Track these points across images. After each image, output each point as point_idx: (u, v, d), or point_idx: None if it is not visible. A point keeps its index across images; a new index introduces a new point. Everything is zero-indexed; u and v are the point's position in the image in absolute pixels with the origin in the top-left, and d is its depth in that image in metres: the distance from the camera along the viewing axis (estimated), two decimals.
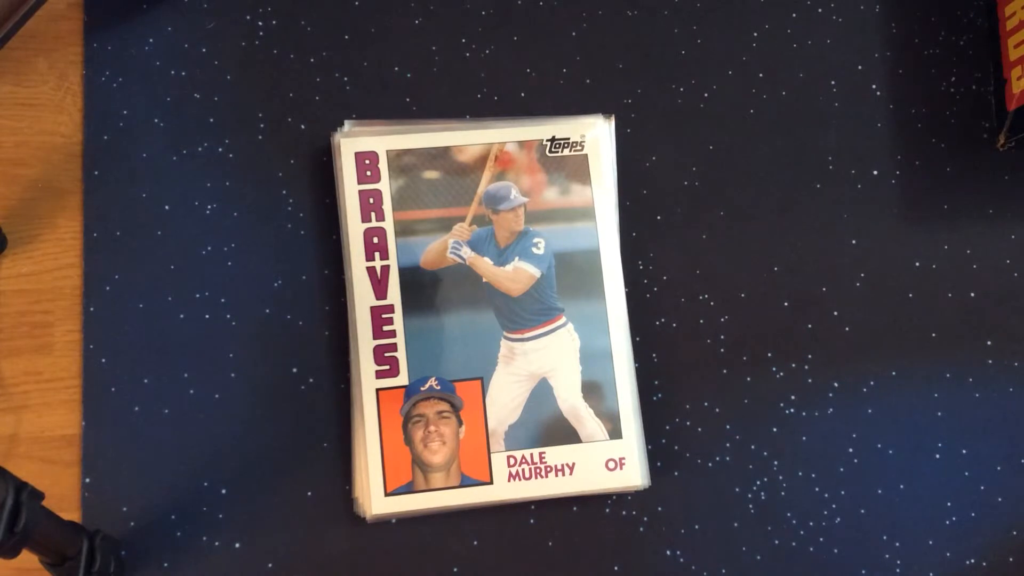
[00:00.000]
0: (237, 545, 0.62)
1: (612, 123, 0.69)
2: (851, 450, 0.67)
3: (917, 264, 0.70)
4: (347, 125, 0.66)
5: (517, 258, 0.66)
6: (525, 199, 0.66)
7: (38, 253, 0.65)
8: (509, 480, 0.63)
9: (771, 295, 0.69)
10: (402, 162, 0.66)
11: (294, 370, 0.65)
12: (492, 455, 0.63)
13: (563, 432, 0.64)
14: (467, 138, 0.67)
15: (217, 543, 0.62)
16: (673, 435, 0.66)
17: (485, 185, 0.66)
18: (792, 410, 0.67)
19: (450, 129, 0.67)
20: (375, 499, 0.62)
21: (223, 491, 0.63)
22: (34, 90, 0.67)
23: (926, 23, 0.74)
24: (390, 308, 0.64)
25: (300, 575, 0.62)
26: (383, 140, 0.66)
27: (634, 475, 0.64)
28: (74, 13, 0.68)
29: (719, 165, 0.70)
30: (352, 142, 0.66)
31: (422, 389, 0.63)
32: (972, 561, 0.66)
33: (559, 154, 0.67)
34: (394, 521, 0.63)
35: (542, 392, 0.64)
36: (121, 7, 0.68)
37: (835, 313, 0.69)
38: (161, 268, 0.65)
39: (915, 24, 0.74)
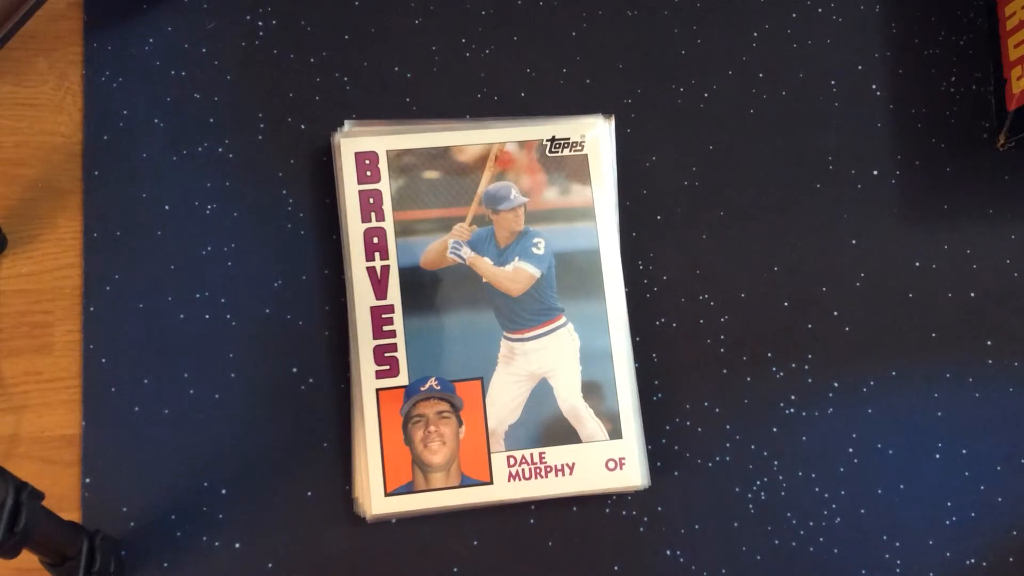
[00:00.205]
0: (237, 545, 0.62)
1: (612, 123, 0.69)
2: (851, 450, 0.67)
3: (917, 264, 0.70)
4: (347, 125, 0.66)
5: (517, 258, 0.66)
6: (525, 199, 0.66)
7: (38, 253, 0.65)
8: (509, 480, 0.63)
9: (771, 295, 0.69)
10: (402, 162, 0.66)
11: (294, 370, 0.65)
12: (492, 455, 0.63)
13: (563, 432, 0.64)
14: (467, 138, 0.67)
15: (217, 543, 0.62)
16: (673, 435, 0.66)
17: (485, 185, 0.66)
18: (792, 410, 0.67)
19: (450, 129, 0.67)
20: (375, 499, 0.62)
21: (223, 491, 0.63)
22: (34, 90, 0.67)
23: (926, 23, 0.74)
24: (390, 308, 0.64)
25: (300, 575, 0.62)
26: (383, 140, 0.66)
27: (634, 475, 0.64)
28: (74, 13, 0.68)
29: (719, 165, 0.70)
30: (352, 142, 0.66)
31: (422, 389, 0.63)
32: (972, 561, 0.66)
33: (559, 154, 0.67)
34: (394, 521, 0.63)
35: (542, 392, 0.64)
36: (121, 7, 0.68)
37: (835, 313, 0.69)
38: (161, 268, 0.65)
39: (915, 24, 0.74)
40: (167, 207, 0.66)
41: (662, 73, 0.71)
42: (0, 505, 0.46)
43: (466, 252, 0.65)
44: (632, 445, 0.64)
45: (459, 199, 0.66)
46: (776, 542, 0.66)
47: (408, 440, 0.63)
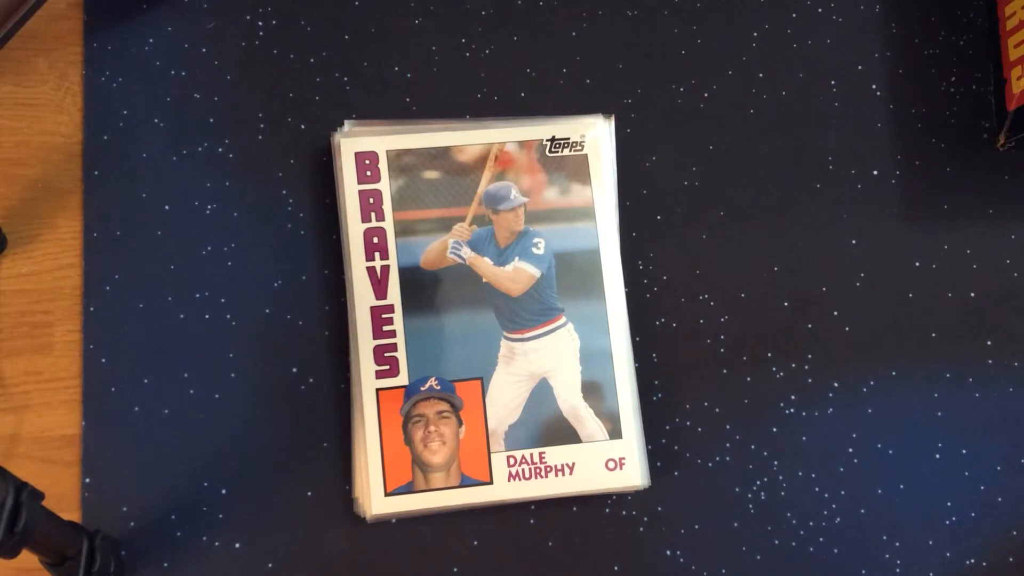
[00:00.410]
0: (237, 545, 0.62)
1: (612, 123, 0.69)
2: (851, 450, 0.67)
3: (917, 264, 0.70)
4: (347, 125, 0.66)
5: (517, 258, 0.66)
6: (525, 199, 0.66)
7: (38, 253, 0.65)
8: (509, 480, 0.63)
9: (771, 295, 0.69)
10: (402, 162, 0.66)
11: (294, 370, 0.65)
12: (492, 455, 0.63)
13: (563, 432, 0.64)
14: (467, 138, 0.67)
15: (217, 543, 0.62)
16: (673, 435, 0.66)
17: (485, 185, 0.66)
18: (792, 410, 0.67)
19: (450, 129, 0.67)
20: (375, 499, 0.62)
21: (223, 491, 0.63)
22: (34, 90, 0.67)
23: (926, 23, 0.74)
24: (390, 308, 0.64)
25: (300, 575, 0.62)
26: (383, 140, 0.66)
27: (634, 475, 0.64)
28: (74, 13, 0.68)
29: (719, 165, 0.70)
30: (352, 142, 0.66)
31: (422, 389, 0.63)
32: (972, 561, 0.66)
33: (559, 154, 0.67)
34: (394, 521, 0.63)
35: (542, 392, 0.64)
36: (121, 7, 0.68)
37: (835, 313, 0.69)
38: (161, 268, 0.65)
39: (915, 24, 0.74)
40: (167, 207, 0.66)
41: (662, 73, 0.71)
42: (0, 505, 0.46)
43: (466, 252, 0.65)
44: (632, 445, 0.64)
45: (459, 199, 0.66)
46: (776, 542, 0.66)
47: (408, 440, 0.63)
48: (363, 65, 0.69)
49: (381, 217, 0.65)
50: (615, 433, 0.64)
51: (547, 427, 0.64)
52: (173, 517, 0.62)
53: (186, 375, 0.64)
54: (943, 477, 0.67)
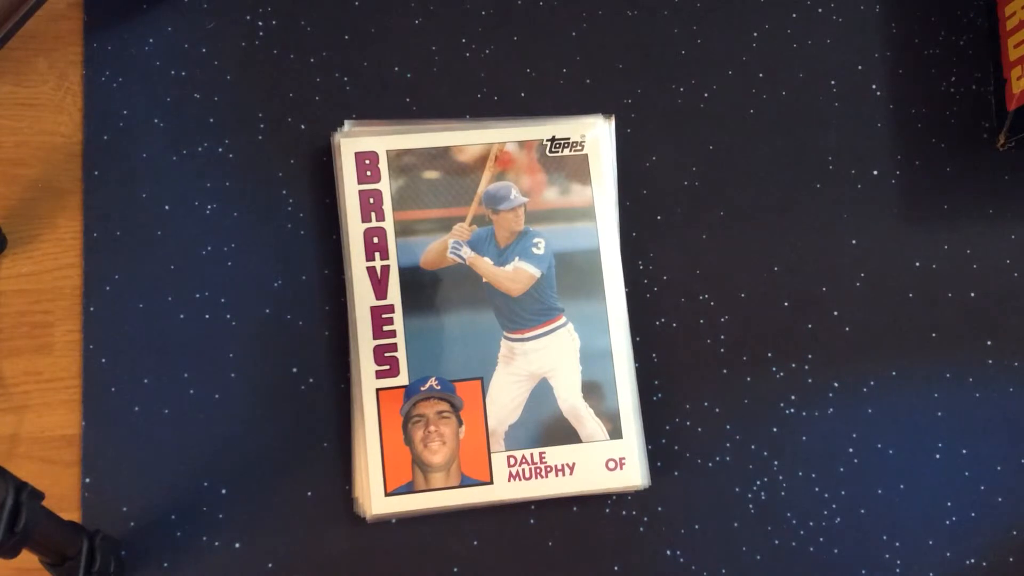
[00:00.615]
0: (237, 545, 0.62)
1: (612, 123, 0.69)
2: (851, 450, 0.67)
3: (917, 264, 0.70)
4: (347, 125, 0.66)
5: (517, 258, 0.66)
6: (525, 199, 0.66)
7: (38, 253, 0.65)
8: (509, 480, 0.63)
9: (771, 295, 0.69)
10: (402, 162, 0.66)
11: (294, 370, 0.65)
12: (492, 455, 0.63)
13: (563, 432, 0.64)
14: (467, 138, 0.67)
15: (217, 543, 0.62)
16: (673, 435, 0.66)
17: (485, 185, 0.66)
18: (792, 410, 0.67)
19: (450, 129, 0.67)
20: (375, 499, 0.62)
21: (223, 491, 0.63)
22: (34, 90, 0.67)
23: (926, 23, 0.74)
24: (390, 308, 0.64)
25: (300, 575, 0.62)
26: (383, 140, 0.66)
27: (634, 475, 0.64)
28: (74, 13, 0.68)
29: (719, 165, 0.70)
30: (352, 142, 0.66)
31: (422, 389, 0.63)
32: (972, 561, 0.66)
33: (559, 154, 0.67)
34: (394, 521, 0.63)
35: (542, 392, 0.64)
36: (121, 7, 0.68)
37: (835, 313, 0.69)
38: (161, 268, 0.65)
39: (915, 24, 0.74)
40: (167, 207, 0.66)
41: (662, 73, 0.71)
42: (0, 505, 0.46)
43: (466, 252, 0.65)
44: (632, 445, 0.64)
45: (459, 199, 0.66)
46: (776, 542, 0.66)
47: (408, 440, 0.63)
48: (363, 65, 0.69)
49: (381, 217, 0.65)
50: (615, 433, 0.64)
51: (547, 427, 0.64)
52: (173, 517, 0.62)
53: (186, 375, 0.64)
54: (943, 477, 0.67)
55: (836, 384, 0.68)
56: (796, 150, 0.71)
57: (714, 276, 0.69)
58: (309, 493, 0.63)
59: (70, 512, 0.61)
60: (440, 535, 0.63)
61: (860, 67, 0.73)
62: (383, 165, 0.66)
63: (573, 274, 0.66)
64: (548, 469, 0.64)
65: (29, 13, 0.56)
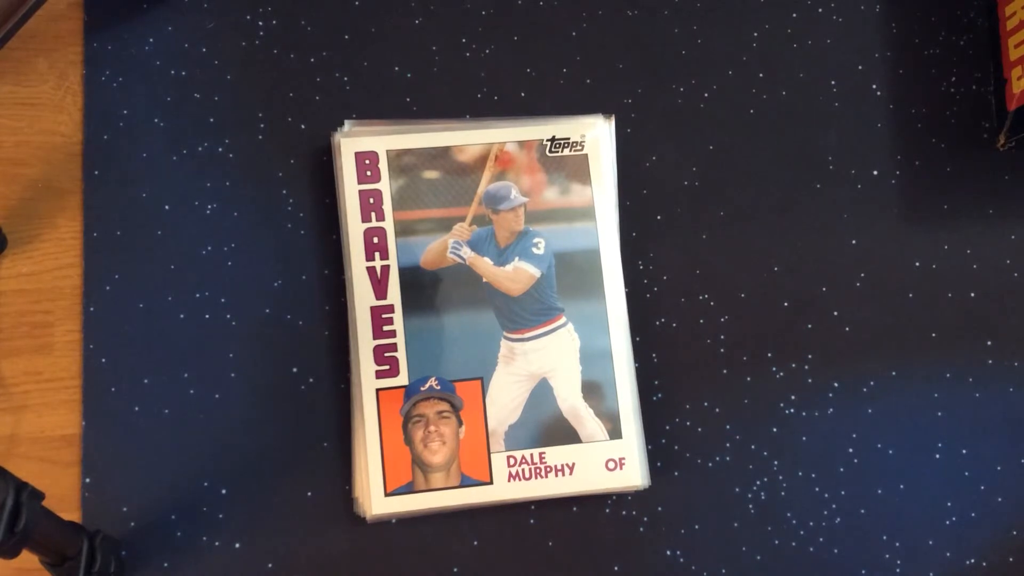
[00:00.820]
0: (237, 545, 0.62)
1: (612, 123, 0.69)
2: (851, 450, 0.67)
3: (917, 264, 0.70)
4: (347, 125, 0.66)
5: (517, 258, 0.66)
6: (525, 199, 0.66)
7: (38, 253, 0.65)
8: (509, 480, 0.63)
9: (771, 295, 0.69)
10: (402, 162, 0.66)
11: (294, 370, 0.65)
12: (492, 455, 0.63)
13: (563, 432, 0.64)
14: (467, 138, 0.67)
15: (217, 543, 0.62)
16: (673, 435, 0.66)
17: (485, 185, 0.66)
18: (792, 410, 0.67)
19: (450, 129, 0.67)
20: (375, 499, 0.62)
21: (223, 491, 0.63)
22: (34, 90, 0.67)
23: (926, 23, 0.74)
24: (390, 308, 0.64)
25: (300, 575, 0.62)
26: (383, 140, 0.66)
27: (634, 475, 0.64)
28: (74, 13, 0.68)
29: (719, 165, 0.70)
30: (352, 142, 0.66)
31: (422, 389, 0.63)
32: (972, 561, 0.66)
33: (559, 154, 0.67)
34: (394, 521, 0.63)
35: (542, 392, 0.64)
36: (121, 7, 0.68)
37: (835, 313, 0.69)
38: (161, 268, 0.65)
39: (915, 24, 0.74)
40: (167, 207, 0.66)
41: (662, 73, 0.71)
42: (0, 505, 0.46)
43: (466, 252, 0.65)
44: (632, 445, 0.64)
45: (459, 199, 0.66)
46: (776, 542, 0.66)
47: (408, 440, 0.63)
48: (363, 65, 0.69)
49: (381, 217, 0.65)
50: (615, 433, 0.64)
51: (547, 427, 0.64)
52: (173, 517, 0.62)
53: (186, 375, 0.64)
54: (943, 477, 0.67)
55: (836, 384, 0.68)
56: (796, 150, 0.71)
57: (714, 276, 0.69)
58: (309, 493, 0.63)
59: (70, 512, 0.61)
60: (440, 535, 0.63)
61: (860, 67, 0.73)
62: (383, 165, 0.66)
63: (573, 274, 0.66)
64: (548, 469, 0.64)
65: (29, 13, 0.56)
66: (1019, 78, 0.70)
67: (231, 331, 0.64)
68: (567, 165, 0.67)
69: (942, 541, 0.66)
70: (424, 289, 0.65)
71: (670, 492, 0.65)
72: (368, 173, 0.66)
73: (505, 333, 0.65)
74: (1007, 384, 0.69)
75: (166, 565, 0.61)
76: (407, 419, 0.63)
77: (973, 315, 0.70)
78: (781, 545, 0.66)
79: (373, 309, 0.64)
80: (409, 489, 0.62)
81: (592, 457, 0.64)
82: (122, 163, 0.66)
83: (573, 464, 0.64)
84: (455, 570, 0.63)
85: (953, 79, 0.74)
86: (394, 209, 0.65)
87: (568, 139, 0.67)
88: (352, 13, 0.70)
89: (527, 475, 0.63)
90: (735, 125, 0.71)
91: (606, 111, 0.69)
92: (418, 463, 0.63)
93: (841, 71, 0.73)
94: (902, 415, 0.68)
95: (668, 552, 0.65)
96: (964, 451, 0.68)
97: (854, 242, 0.70)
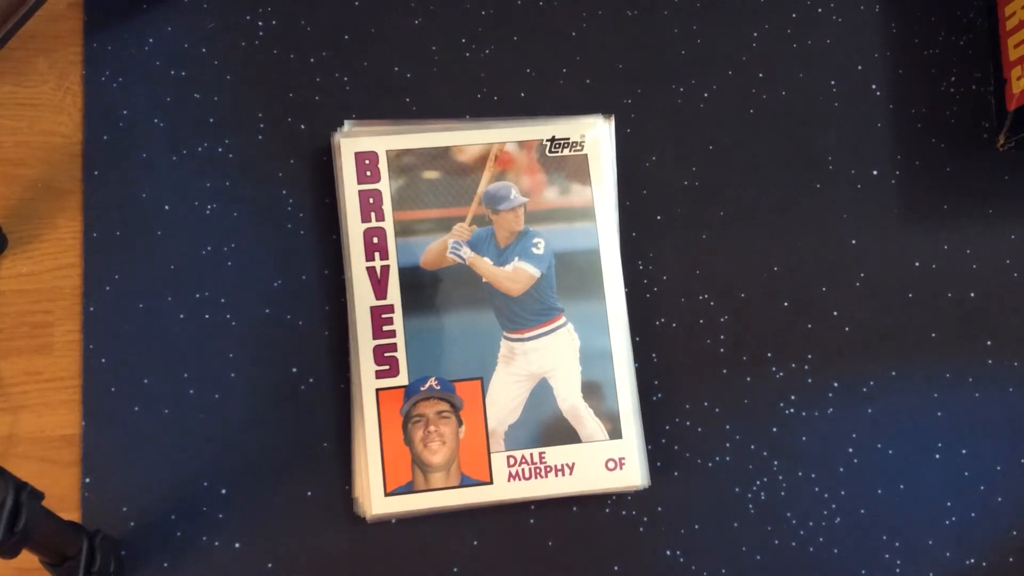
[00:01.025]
0: (237, 545, 0.62)
1: (612, 123, 0.69)
2: (851, 450, 0.67)
3: (917, 264, 0.70)
4: (347, 125, 0.66)
5: (517, 258, 0.66)
6: (525, 199, 0.66)
7: (38, 253, 0.65)
8: (509, 480, 0.63)
9: (771, 295, 0.69)
10: (402, 162, 0.66)
11: (294, 370, 0.65)
12: (492, 455, 0.63)
13: (563, 432, 0.64)
14: (467, 138, 0.67)
15: (217, 543, 0.62)
16: (673, 435, 0.66)
17: (485, 185, 0.66)
18: (792, 410, 0.67)
19: (450, 129, 0.67)
20: (375, 499, 0.62)
21: (223, 491, 0.63)
22: (34, 90, 0.67)
23: (926, 23, 0.74)
24: (390, 308, 0.64)
25: (300, 575, 0.62)
26: (383, 140, 0.66)
27: (634, 475, 0.64)
28: (74, 13, 0.68)
29: (719, 165, 0.70)
30: (352, 142, 0.66)
31: (422, 389, 0.63)
32: (972, 561, 0.66)
33: (559, 154, 0.67)
34: (394, 521, 0.63)
35: (542, 392, 0.64)
36: (121, 7, 0.68)
37: (835, 313, 0.69)
38: (161, 268, 0.65)
39: (915, 24, 0.74)
40: (167, 207, 0.66)
41: (662, 73, 0.71)
42: (0, 505, 0.46)
43: (466, 252, 0.65)
44: (632, 445, 0.64)
45: (459, 199, 0.66)
46: (776, 542, 0.65)
47: (408, 440, 0.63)
48: (363, 65, 0.69)
49: (381, 217, 0.65)
50: (615, 433, 0.64)
51: (547, 427, 0.64)
52: (173, 517, 0.62)
53: (186, 375, 0.64)
54: (943, 477, 0.67)
55: (836, 384, 0.68)
56: (796, 150, 0.71)
57: (714, 276, 0.69)
58: (309, 493, 0.63)
59: (70, 512, 0.61)
60: (440, 535, 0.63)
61: (860, 67, 0.73)
62: (383, 165, 0.66)
63: (573, 274, 0.66)
64: (548, 469, 0.64)
65: (29, 13, 0.56)
66: (1019, 78, 0.70)
67: (231, 331, 0.64)
68: (567, 165, 0.67)
69: (942, 541, 0.66)
70: (424, 289, 0.65)
71: (670, 492, 0.65)
72: (368, 173, 0.66)
73: (505, 333, 0.65)
74: (1007, 384, 0.69)
75: (166, 565, 0.61)
76: (407, 419, 0.63)
77: (973, 315, 0.70)
78: (781, 545, 0.66)
79: (373, 309, 0.64)
80: (409, 489, 0.62)
81: (592, 457, 0.64)
82: (122, 163, 0.66)
83: (573, 464, 0.64)
84: (455, 570, 0.63)
85: (953, 79, 0.74)
86: (394, 209, 0.65)
87: (568, 139, 0.67)
88: (352, 13, 0.70)
89: (527, 475, 0.63)
90: (735, 125, 0.71)
91: (606, 111, 0.69)
92: (418, 463, 0.63)
93: (841, 71, 0.73)
94: (902, 415, 0.68)
95: (668, 552, 0.65)
96: (964, 451, 0.68)
97: (854, 242, 0.70)
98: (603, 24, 0.71)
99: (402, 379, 0.63)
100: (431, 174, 0.66)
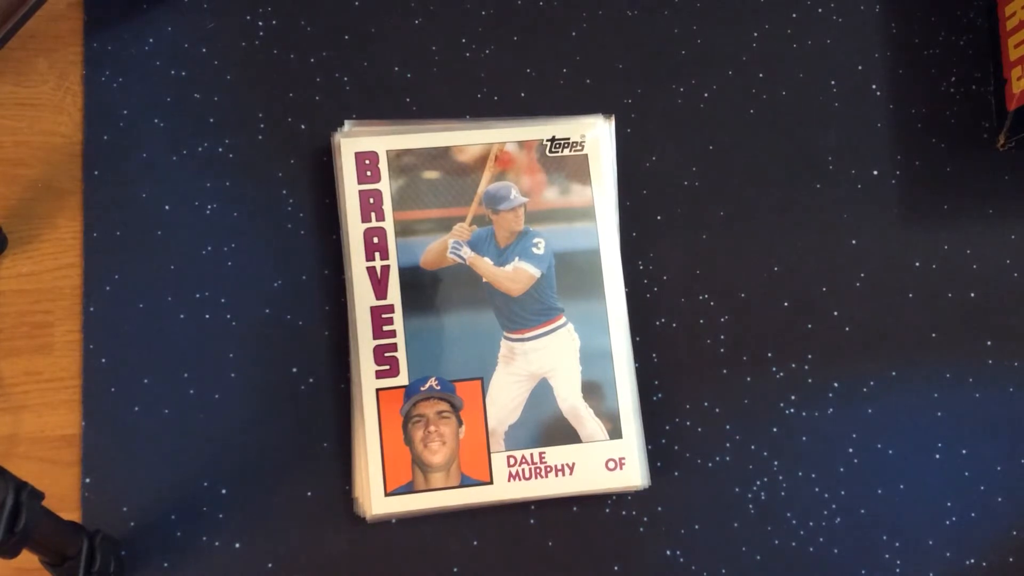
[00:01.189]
0: (237, 545, 0.62)
1: (612, 123, 0.69)
2: (851, 450, 0.67)
3: (917, 264, 0.70)
4: (347, 125, 0.66)
5: (517, 258, 0.66)
6: (525, 199, 0.66)
7: (38, 253, 0.65)
8: (509, 480, 0.63)
9: (771, 295, 0.69)
10: (402, 162, 0.66)
11: (294, 370, 0.65)
12: (492, 455, 0.63)
13: (563, 432, 0.64)
14: (467, 138, 0.67)
15: (217, 543, 0.62)
16: (673, 435, 0.66)
17: (485, 185, 0.66)
18: (792, 410, 0.67)
19: (450, 129, 0.67)
20: (375, 499, 0.62)
21: (223, 491, 0.63)
22: (34, 90, 0.67)
23: (926, 23, 0.74)
24: (390, 308, 0.64)
25: (300, 575, 0.62)
26: (383, 140, 0.66)
27: (634, 475, 0.64)
28: (74, 13, 0.68)
29: (719, 165, 0.70)
30: (352, 142, 0.66)
31: (422, 389, 0.63)
32: (972, 561, 0.66)
33: (559, 154, 0.67)
34: (394, 521, 0.63)
35: (542, 392, 0.64)
36: (121, 7, 0.68)
37: (835, 313, 0.69)
38: (161, 268, 0.65)
39: (915, 24, 0.74)
40: (167, 207, 0.66)
41: (662, 73, 0.71)
42: (0, 505, 0.46)
43: (466, 252, 0.65)
44: (632, 445, 0.64)
45: (459, 199, 0.66)
46: (776, 542, 0.65)
47: (408, 440, 0.63)
48: (363, 65, 0.69)
49: (381, 217, 0.65)
50: (615, 433, 0.64)
51: (547, 427, 0.64)
52: (173, 517, 0.62)
53: (186, 375, 0.64)
54: (943, 477, 0.67)
55: (836, 384, 0.68)
56: (796, 150, 0.71)
57: (714, 276, 0.69)
58: (309, 493, 0.63)
59: (70, 512, 0.61)
60: (440, 535, 0.63)
61: (860, 67, 0.73)
62: (383, 165, 0.66)
63: (573, 274, 0.66)
64: (548, 469, 0.64)
65: (29, 13, 0.56)
66: (1019, 78, 0.70)
67: (231, 331, 0.64)
68: (567, 165, 0.67)
69: (942, 541, 0.66)
70: (424, 289, 0.65)
71: (670, 492, 0.65)
72: (368, 173, 0.66)
73: (505, 333, 0.65)
74: (1007, 384, 0.69)
75: (166, 565, 0.61)
76: (407, 419, 0.63)
77: (973, 315, 0.70)
78: (781, 545, 0.66)
79: (373, 309, 0.64)
80: (409, 489, 0.62)
81: (592, 457, 0.64)
82: (122, 163, 0.66)
83: (573, 464, 0.64)
84: (455, 570, 0.63)
85: (953, 79, 0.74)
86: (394, 209, 0.65)
87: (568, 139, 0.67)
88: (352, 13, 0.70)
89: (527, 475, 0.63)
90: (735, 125, 0.71)
91: (606, 111, 0.69)
92: (418, 463, 0.63)
93: (841, 71, 0.73)
94: (902, 415, 0.68)
95: (668, 552, 0.65)
96: (964, 451, 0.68)
97: (854, 242, 0.70)
98: (603, 24, 0.71)
99: (402, 379, 0.63)
100: (431, 174, 0.66)
